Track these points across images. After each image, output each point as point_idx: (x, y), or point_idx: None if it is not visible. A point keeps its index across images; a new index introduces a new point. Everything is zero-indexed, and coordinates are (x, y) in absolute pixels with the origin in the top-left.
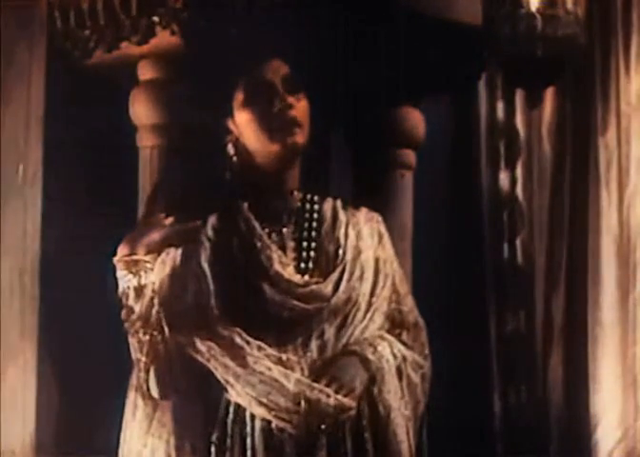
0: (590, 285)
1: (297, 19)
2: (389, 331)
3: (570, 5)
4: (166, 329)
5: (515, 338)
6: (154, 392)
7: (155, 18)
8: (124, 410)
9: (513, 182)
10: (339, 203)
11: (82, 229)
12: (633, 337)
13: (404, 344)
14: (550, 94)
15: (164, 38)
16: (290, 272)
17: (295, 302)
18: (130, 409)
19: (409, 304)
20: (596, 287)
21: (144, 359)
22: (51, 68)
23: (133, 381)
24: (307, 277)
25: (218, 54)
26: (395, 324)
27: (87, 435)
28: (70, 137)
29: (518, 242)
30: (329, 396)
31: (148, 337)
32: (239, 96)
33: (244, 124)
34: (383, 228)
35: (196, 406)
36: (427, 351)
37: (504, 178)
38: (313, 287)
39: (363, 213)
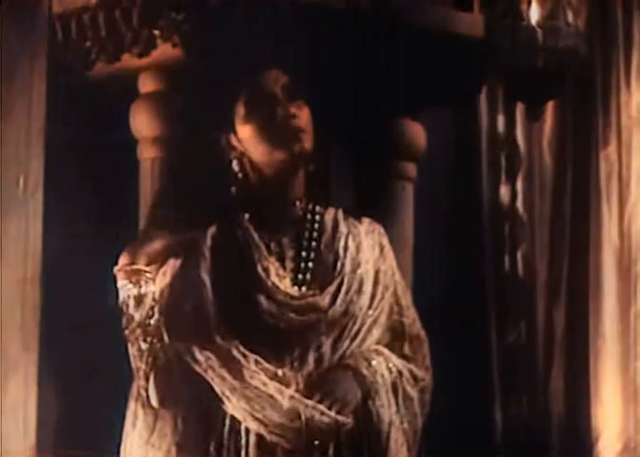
0: (591, 297)
1: (299, 31)
2: (389, 344)
3: (570, 17)
4: (165, 338)
5: (516, 350)
6: (154, 401)
7: (156, 31)
8: (124, 421)
9: (514, 194)
10: (341, 213)
11: (83, 241)
12: (635, 349)
13: (404, 356)
14: (550, 107)
15: (165, 50)
16: (286, 284)
17: (291, 314)
18: (130, 419)
19: (411, 316)
20: (597, 299)
21: (143, 367)
22: (52, 80)
23: (134, 391)
24: (304, 289)
25: (219, 67)
26: (396, 336)
27: (88, 446)
28: (71, 149)
29: (519, 254)
30: (322, 413)
31: (147, 345)
32: (240, 111)
33: (247, 138)
34: (385, 240)
35: (196, 415)
36: (428, 363)
37: (505, 191)
38: (309, 299)
39: (365, 225)
